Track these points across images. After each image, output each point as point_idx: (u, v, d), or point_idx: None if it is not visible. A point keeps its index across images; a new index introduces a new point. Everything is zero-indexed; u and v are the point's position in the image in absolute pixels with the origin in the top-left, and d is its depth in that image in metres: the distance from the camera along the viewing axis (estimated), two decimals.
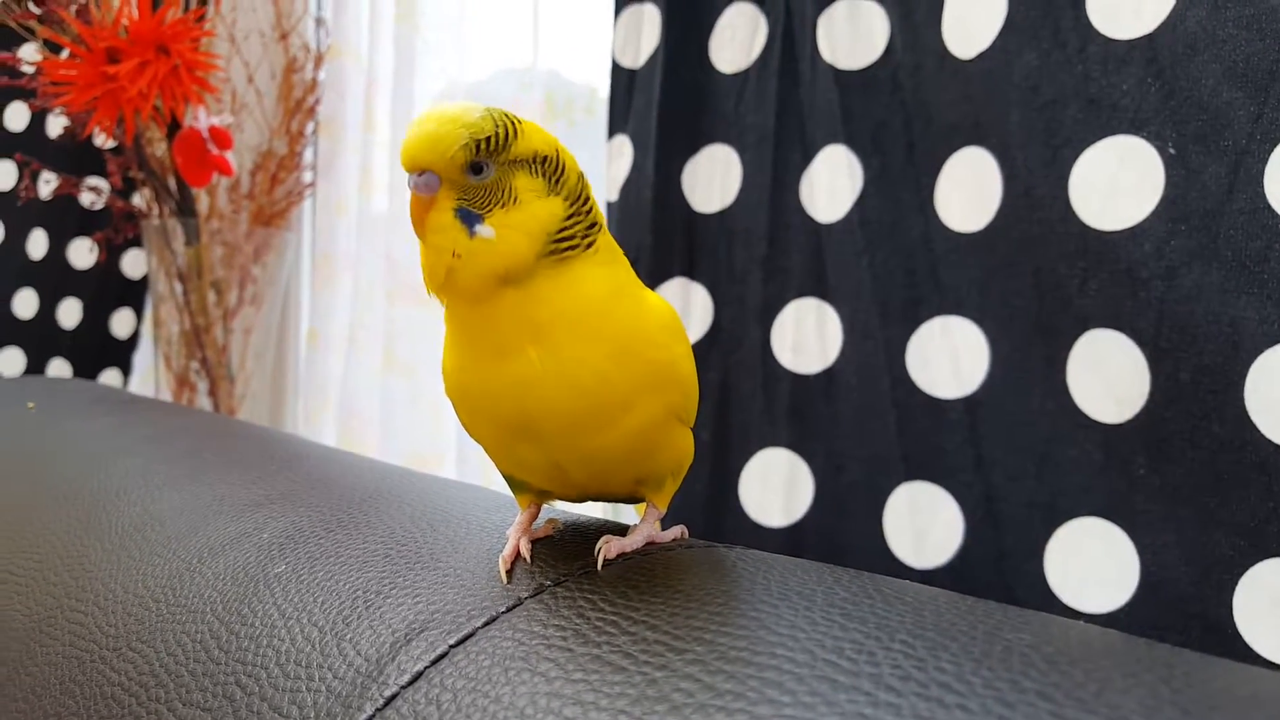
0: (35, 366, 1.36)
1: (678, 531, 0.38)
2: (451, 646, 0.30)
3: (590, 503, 0.40)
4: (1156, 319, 0.51)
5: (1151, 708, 0.21)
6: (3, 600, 0.49)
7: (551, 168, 0.33)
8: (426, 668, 0.30)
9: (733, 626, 0.27)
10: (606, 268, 0.34)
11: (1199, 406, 0.50)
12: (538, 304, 0.32)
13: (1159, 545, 0.52)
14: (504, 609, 0.31)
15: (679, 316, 0.36)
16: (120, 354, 1.39)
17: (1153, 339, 0.52)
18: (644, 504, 0.38)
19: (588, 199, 0.34)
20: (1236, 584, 0.49)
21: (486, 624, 0.31)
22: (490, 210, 0.32)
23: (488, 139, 0.31)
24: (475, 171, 0.32)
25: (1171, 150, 0.51)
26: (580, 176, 0.34)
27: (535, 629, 0.30)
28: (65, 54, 0.97)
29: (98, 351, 1.38)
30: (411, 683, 0.29)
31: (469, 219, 0.32)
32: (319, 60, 1.20)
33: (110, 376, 1.39)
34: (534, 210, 0.32)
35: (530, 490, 0.37)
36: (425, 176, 0.32)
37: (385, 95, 1.16)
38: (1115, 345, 0.53)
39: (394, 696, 0.29)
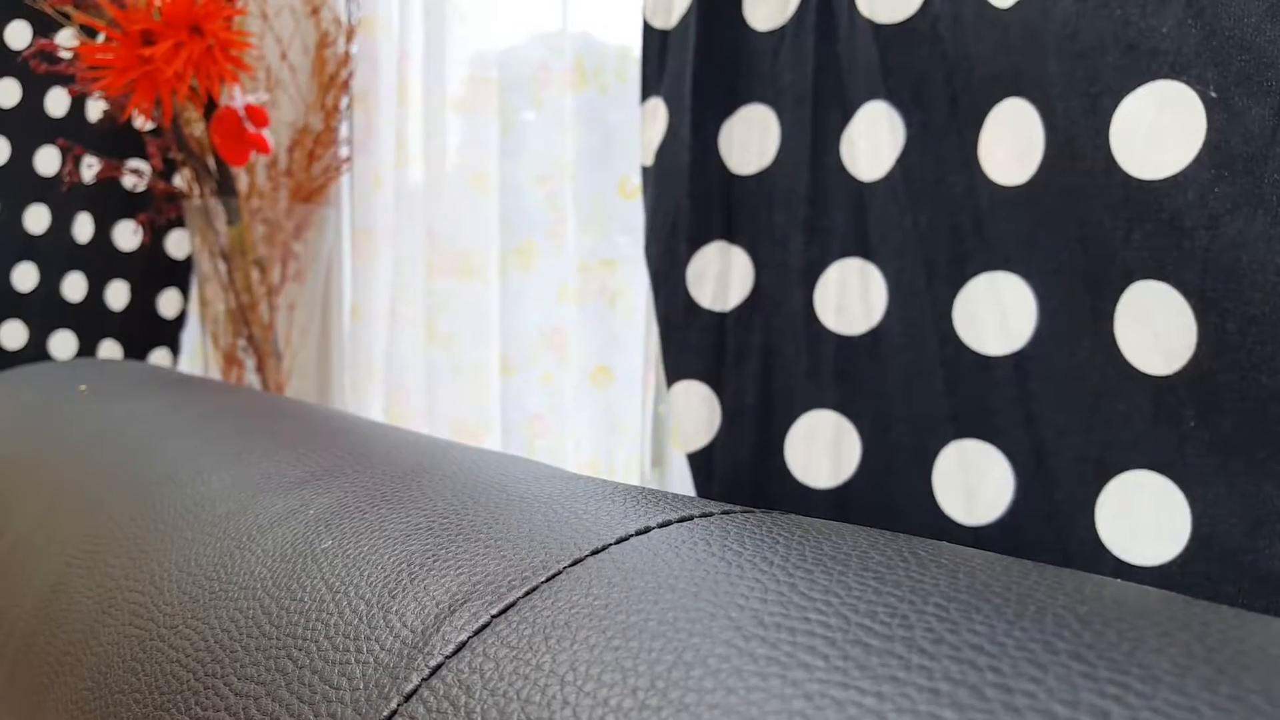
0: (87, 349, 1.38)
1: None
2: (493, 617, 0.31)
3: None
4: (1201, 269, 0.50)
5: (1184, 666, 0.20)
6: (68, 581, 0.50)
7: None
8: (470, 638, 0.30)
9: (768, 593, 0.27)
10: None
11: (1247, 357, 0.49)
12: None
13: (1210, 497, 0.51)
14: (544, 579, 0.32)
15: None
16: (169, 333, 1.42)
17: (1198, 289, 0.51)
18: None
19: None
20: None
21: (527, 594, 0.31)
22: None
23: None
24: None
25: (1213, 93, 0.49)
26: None
27: (575, 598, 0.30)
28: (101, 38, 0.98)
29: (147, 332, 1.41)
30: (455, 653, 0.30)
31: None
32: (351, 33, 1.20)
33: (160, 356, 1.42)
34: None
35: None
36: None
37: (417, 66, 1.16)
38: (1161, 297, 0.52)
39: (439, 667, 0.30)
